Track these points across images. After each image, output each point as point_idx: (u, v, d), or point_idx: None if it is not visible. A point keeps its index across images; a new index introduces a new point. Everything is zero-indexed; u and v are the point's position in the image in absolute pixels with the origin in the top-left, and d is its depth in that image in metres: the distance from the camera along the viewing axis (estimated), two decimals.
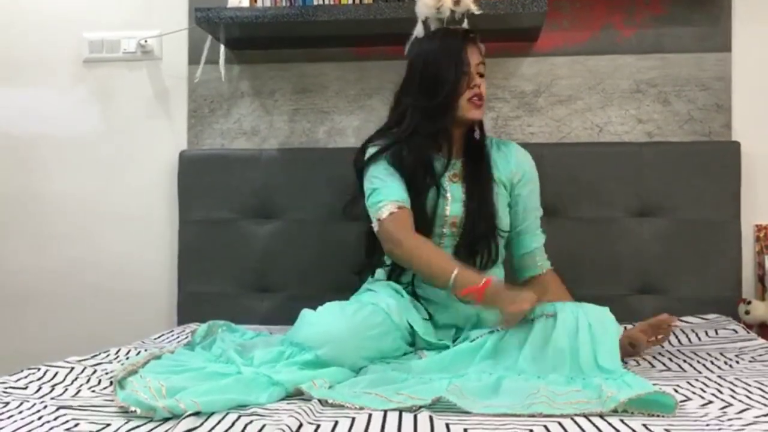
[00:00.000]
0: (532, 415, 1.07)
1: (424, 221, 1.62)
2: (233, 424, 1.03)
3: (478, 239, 1.63)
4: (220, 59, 2.12)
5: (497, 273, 1.70)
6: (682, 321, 1.88)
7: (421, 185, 1.63)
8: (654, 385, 1.14)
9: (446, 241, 1.66)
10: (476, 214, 1.64)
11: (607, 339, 1.32)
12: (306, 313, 1.46)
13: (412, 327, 1.53)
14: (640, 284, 2.02)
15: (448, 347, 1.50)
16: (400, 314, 1.51)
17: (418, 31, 1.79)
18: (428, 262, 1.54)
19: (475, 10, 1.78)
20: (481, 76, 1.67)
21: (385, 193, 1.61)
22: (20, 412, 1.07)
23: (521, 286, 1.70)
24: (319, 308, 1.48)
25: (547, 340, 1.33)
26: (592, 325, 1.33)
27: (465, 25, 1.80)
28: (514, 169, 1.73)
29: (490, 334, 1.40)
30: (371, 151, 1.70)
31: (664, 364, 1.46)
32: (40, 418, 1.05)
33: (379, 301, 1.51)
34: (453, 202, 1.66)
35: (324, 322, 1.42)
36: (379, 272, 1.72)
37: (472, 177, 1.68)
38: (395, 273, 1.66)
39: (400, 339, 1.51)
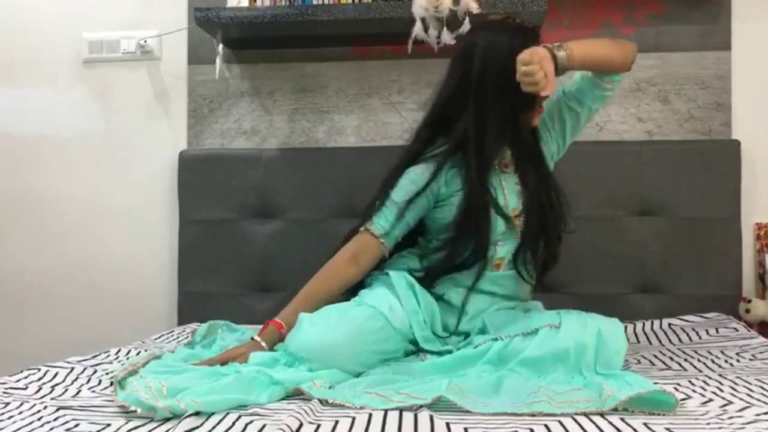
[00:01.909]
0: (533, 414, 1.07)
1: (488, 223, 1.51)
2: (233, 423, 1.03)
3: (541, 233, 1.53)
4: (218, 59, 2.11)
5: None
6: (682, 320, 1.88)
7: (475, 190, 1.50)
8: (655, 384, 1.14)
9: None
10: (537, 204, 1.52)
11: (614, 357, 1.30)
12: (303, 319, 1.41)
13: (413, 333, 1.48)
14: (641, 283, 2.02)
15: (450, 352, 1.47)
16: (401, 319, 1.46)
17: (417, 30, 1.79)
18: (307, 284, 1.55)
19: (474, 9, 1.77)
20: None
21: (384, 221, 1.54)
22: (20, 413, 1.07)
23: None
24: (315, 314, 1.43)
25: (549, 347, 1.30)
26: (603, 339, 1.30)
27: (467, 23, 1.79)
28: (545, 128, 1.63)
29: (493, 342, 1.37)
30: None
31: (664, 363, 1.46)
32: (40, 419, 1.05)
33: (380, 305, 1.46)
34: (510, 194, 1.54)
35: (319, 331, 1.36)
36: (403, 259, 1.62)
37: (525, 161, 1.55)
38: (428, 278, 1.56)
39: (401, 341, 1.47)
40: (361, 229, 1.56)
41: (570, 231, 1.59)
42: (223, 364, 1.36)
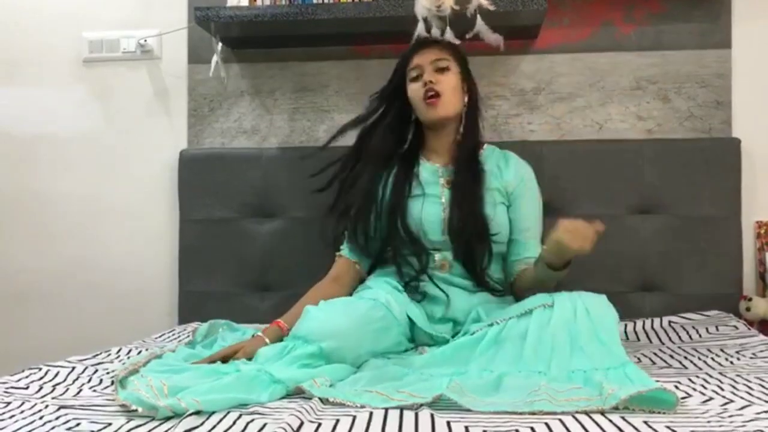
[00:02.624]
0: (533, 413, 1.07)
1: (413, 228, 1.66)
2: (234, 422, 1.03)
3: (468, 243, 1.64)
4: (214, 57, 2.11)
5: (498, 271, 1.71)
6: (683, 318, 1.88)
7: (399, 195, 1.69)
8: (656, 381, 1.14)
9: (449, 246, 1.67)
10: (463, 219, 1.64)
11: (606, 321, 1.33)
12: (309, 309, 1.46)
13: (411, 321, 1.55)
14: (641, 281, 2.02)
15: (447, 341, 1.50)
16: (400, 309, 1.54)
17: (420, 30, 1.79)
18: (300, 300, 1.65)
19: (488, 5, 1.78)
20: (439, 71, 1.68)
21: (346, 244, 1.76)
22: (21, 412, 1.07)
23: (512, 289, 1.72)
24: (321, 303, 1.49)
25: (546, 329, 1.32)
26: (590, 310, 1.33)
27: (479, 20, 1.80)
28: (511, 179, 1.73)
29: (489, 327, 1.40)
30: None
31: (665, 361, 1.46)
32: (41, 418, 1.05)
33: (379, 297, 1.54)
34: (448, 207, 1.67)
35: (327, 317, 1.42)
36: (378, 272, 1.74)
37: (460, 183, 1.68)
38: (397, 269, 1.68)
39: (401, 334, 1.53)
40: (337, 253, 1.77)
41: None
42: (224, 360, 1.38)
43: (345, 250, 1.76)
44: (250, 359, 1.38)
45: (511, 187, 1.72)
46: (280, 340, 1.47)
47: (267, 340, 1.48)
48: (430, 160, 1.75)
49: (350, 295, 1.66)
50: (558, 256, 1.47)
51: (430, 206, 1.68)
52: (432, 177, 1.72)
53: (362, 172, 1.74)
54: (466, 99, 1.72)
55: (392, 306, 1.53)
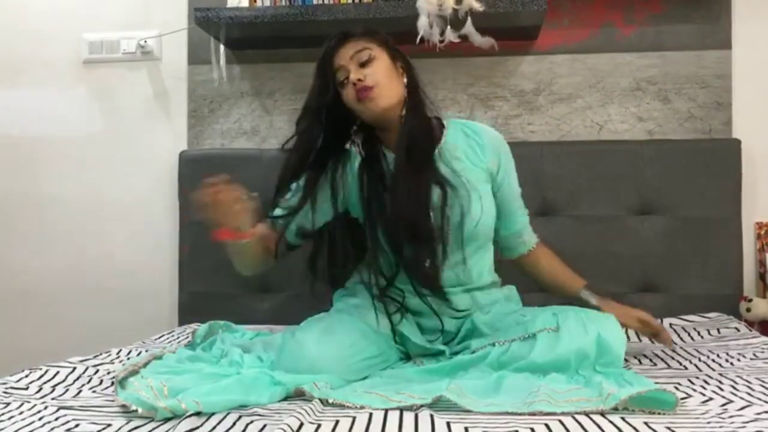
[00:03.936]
0: (533, 414, 1.07)
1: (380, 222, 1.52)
2: (234, 424, 1.03)
3: (414, 233, 1.47)
4: (212, 58, 2.11)
5: (484, 257, 1.61)
6: (683, 319, 1.88)
7: (371, 187, 1.53)
8: (655, 383, 1.14)
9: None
10: (405, 207, 1.47)
11: (616, 348, 1.30)
12: (286, 340, 1.38)
13: (401, 335, 1.49)
14: (641, 283, 2.01)
15: (443, 352, 1.47)
16: (384, 323, 1.48)
17: (422, 24, 1.78)
18: None
19: (478, 7, 1.77)
20: (363, 65, 1.49)
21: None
22: (21, 413, 1.07)
23: (512, 264, 1.70)
24: (299, 331, 1.40)
25: (550, 356, 1.29)
26: (602, 336, 1.30)
27: (468, 22, 1.79)
28: (490, 157, 1.60)
29: (492, 347, 1.35)
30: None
31: (665, 362, 1.46)
32: (41, 419, 1.05)
33: (358, 310, 1.50)
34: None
35: (306, 353, 1.33)
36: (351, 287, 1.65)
37: (400, 173, 1.49)
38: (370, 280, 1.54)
39: (384, 343, 1.46)
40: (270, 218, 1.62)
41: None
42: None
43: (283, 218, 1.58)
44: None
45: (494, 167, 1.60)
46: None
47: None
48: (389, 146, 1.57)
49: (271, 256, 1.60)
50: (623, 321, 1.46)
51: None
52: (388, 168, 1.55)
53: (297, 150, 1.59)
54: (405, 80, 1.54)
55: (372, 320, 1.47)
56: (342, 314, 1.51)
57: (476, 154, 1.60)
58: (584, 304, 1.56)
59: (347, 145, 1.58)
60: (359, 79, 1.48)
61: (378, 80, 1.49)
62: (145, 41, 2.24)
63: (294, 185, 1.58)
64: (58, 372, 1.34)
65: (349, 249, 1.65)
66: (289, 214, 1.55)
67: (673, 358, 1.49)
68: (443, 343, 1.52)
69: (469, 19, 1.78)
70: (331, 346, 1.35)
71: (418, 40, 1.80)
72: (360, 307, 1.52)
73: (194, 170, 2.17)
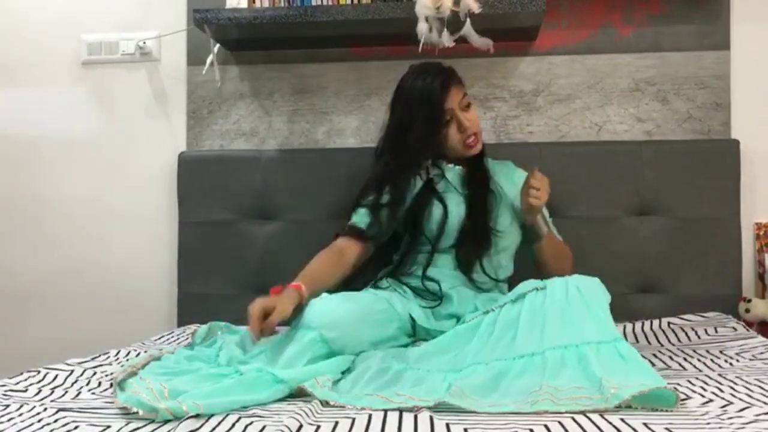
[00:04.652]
0: (538, 413, 1.07)
1: (436, 228, 1.72)
2: (233, 425, 1.03)
3: (474, 245, 1.70)
4: (209, 59, 2.11)
5: (506, 268, 1.78)
6: (681, 319, 1.88)
7: (428, 193, 1.74)
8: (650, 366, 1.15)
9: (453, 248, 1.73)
10: (478, 214, 1.71)
11: (598, 299, 1.33)
12: (312, 301, 1.47)
13: (412, 318, 1.59)
14: (640, 283, 2.02)
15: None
16: (402, 305, 1.59)
17: (421, 30, 1.79)
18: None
19: (475, 9, 1.77)
20: (468, 107, 1.73)
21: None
22: (20, 415, 1.07)
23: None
24: (323, 295, 1.49)
25: (538, 311, 1.33)
26: (582, 289, 1.34)
27: (467, 24, 1.79)
28: (518, 181, 1.76)
29: (484, 314, 1.43)
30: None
31: (664, 363, 1.46)
32: (40, 421, 1.05)
33: (383, 292, 1.61)
34: (463, 213, 1.72)
35: (328, 305, 1.44)
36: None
37: (475, 192, 1.75)
38: (399, 271, 1.74)
39: (401, 328, 1.57)
40: (349, 225, 1.78)
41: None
42: (266, 315, 1.39)
43: (360, 225, 1.75)
44: (285, 321, 1.42)
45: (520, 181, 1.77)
46: (299, 305, 1.46)
47: (293, 303, 1.45)
48: (448, 162, 1.80)
49: (348, 273, 1.70)
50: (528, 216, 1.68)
51: (457, 207, 1.73)
52: (456, 177, 1.78)
53: (400, 170, 1.75)
54: None
55: (394, 301, 1.58)
56: (367, 292, 1.64)
57: (506, 183, 1.80)
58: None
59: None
60: (470, 126, 1.70)
61: (479, 129, 1.75)
62: (144, 42, 2.24)
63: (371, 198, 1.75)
64: (57, 374, 1.34)
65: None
66: (380, 235, 1.74)
67: (672, 359, 1.49)
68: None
69: (467, 20, 1.78)
70: (355, 306, 1.48)
71: (420, 45, 1.80)
72: (382, 292, 1.63)
73: (193, 171, 2.17)
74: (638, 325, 1.84)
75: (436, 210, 1.73)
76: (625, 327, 1.82)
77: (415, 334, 1.61)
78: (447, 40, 1.79)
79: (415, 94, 1.70)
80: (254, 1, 1.99)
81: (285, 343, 1.37)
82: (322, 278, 1.60)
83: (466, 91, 1.75)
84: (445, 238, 1.71)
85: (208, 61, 2.09)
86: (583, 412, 1.06)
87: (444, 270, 1.71)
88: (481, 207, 1.73)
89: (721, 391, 1.18)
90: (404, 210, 1.74)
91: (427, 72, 1.71)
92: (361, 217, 1.74)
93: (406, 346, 1.55)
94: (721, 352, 1.52)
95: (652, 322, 1.86)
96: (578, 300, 1.32)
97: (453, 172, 1.79)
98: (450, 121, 1.70)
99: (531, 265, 1.81)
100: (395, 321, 1.56)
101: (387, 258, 1.81)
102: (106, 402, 1.16)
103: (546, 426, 1.01)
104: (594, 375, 1.18)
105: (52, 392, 1.22)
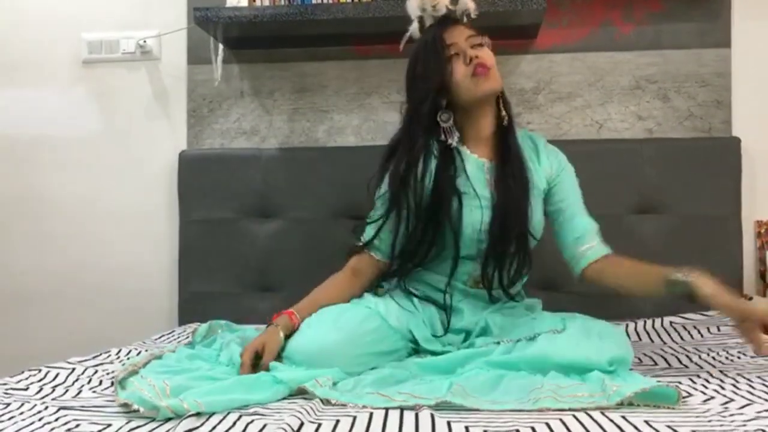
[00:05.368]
0: (539, 410, 1.07)
1: (451, 230, 1.51)
2: (234, 423, 1.03)
3: (507, 246, 1.50)
4: (216, 58, 2.11)
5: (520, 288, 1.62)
6: (683, 318, 1.88)
7: (444, 194, 1.50)
8: (657, 381, 1.14)
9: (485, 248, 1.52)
10: (509, 224, 1.49)
11: (616, 350, 1.27)
12: (296, 334, 1.40)
13: (412, 334, 1.50)
14: None
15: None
16: (398, 317, 1.49)
17: (413, 30, 1.78)
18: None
19: (473, 10, 1.77)
20: (480, 46, 1.53)
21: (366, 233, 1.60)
22: (21, 413, 1.07)
23: (580, 282, 1.58)
24: (313, 317, 1.44)
25: (550, 352, 1.27)
26: (602, 335, 1.29)
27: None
28: (546, 167, 1.60)
29: (496, 345, 1.35)
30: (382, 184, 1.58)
31: (666, 361, 1.46)
32: (41, 419, 1.05)
33: (377, 304, 1.50)
34: (490, 210, 1.52)
35: (315, 334, 1.37)
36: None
37: (509, 184, 1.52)
38: (404, 281, 1.58)
39: (399, 341, 1.48)
40: (359, 243, 1.61)
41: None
42: (254, 364, 1.33)
43: (368, 237, 1.59)
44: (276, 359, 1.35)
45: (550, 175, 1.61)
46: (291, 332, 1.41)
47: (280, 332, 1.39)
48: (473, 152, 1.57)
49: (369, 290, 1.59)
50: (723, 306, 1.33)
51: (479, 210, 1.51)
52: (479, 173, 1.54)
53: (398, 165, 1.54)
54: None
55: (389, 315, 1.48)
56: (359, 306, 1.50)
57: (534, 164, 1.59)
58: (679, 288, 1.38)
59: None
60: (476, 56, 1.49)
61: (493, 63, 1.52)
62: (145, 41, 2.24)
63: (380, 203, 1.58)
64: (58, 373, 1.34)
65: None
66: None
67: (674, 357, 1.49)
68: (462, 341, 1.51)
69: (464, 20, 1.78)
70: (341, 335, 1.37)
71: (402, 44, 1.77)
72: (378, 302, 1.52)
73: (194, 170, 2.17)
74: (640, 323, 1.84)
75: (454, 210, 1.50)
76: (627, 326, 1.82)
77: (417, 343, 1.51)
78: None
79: (420, 40, 1.58)
80: (254, 0, 1.99)
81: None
82: (325, 302, 1.50)
83: (485, 42, 1.56)
84: (463, 246, 1.51)
85: (219, 60, 2.09)
86: (584, 410, 1.06)
87: (457, 284, 1.55)
88: (516, 220, 1.49)
89: (723, 388, 1.18)
90: (420, 197, 1.51)
91: (435, 23, 1.59)
92: (369, 231, 1.60)
93: (409, 355, 1.49)
94: (722, 349, 1.52)
95: (653, 321, 1.86)
96: (593, 347, 1.26)
97: (476, 165, 1.55)
98: (455, 56, 1.51)
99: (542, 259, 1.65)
100: (390, 336, 1.45)
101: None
102: (108, 400, 1.16)
103: (547, 424, 1.01)
104: (595, 377, 1.18)
105: (53, 390, 1.22)
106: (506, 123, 1.56)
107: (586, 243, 1.57)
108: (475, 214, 1.51)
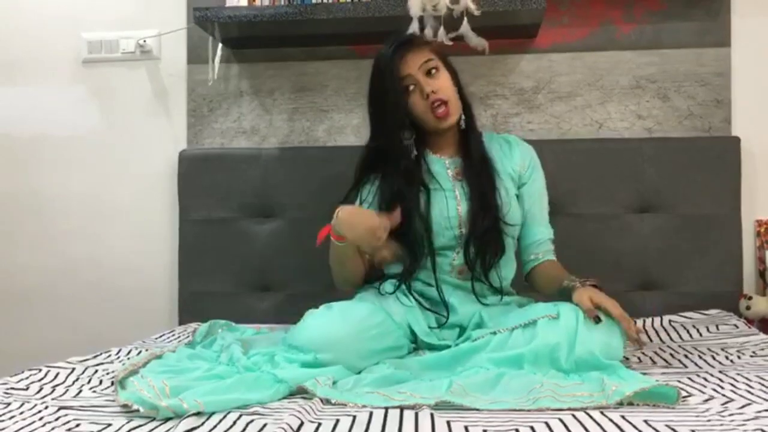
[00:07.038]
0: (539, 410, 1.07)
1: (434, 225, 1.59)
2: (234, 422, 1.03)
3: (484, 233, 1.57)
4: (213, 58, 2.11)
5: (509, 267, 1.68)
6: (682, 317, 1.88)
7: (415, 192, 1.60)
8: (656, 381, 1.14)
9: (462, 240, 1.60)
10: (479, 209, 1.58)
11: (611, 338, 1.30)
12: (306, 315, 1.44)
13: (411, 329, 1.53)
14: (641, 280, 2.02)
15: (449, 347, 1.47)
16: (401, 315, 1.52)
17: (413, 29, 1.78)
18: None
19: (473, 10, 1.77)
20: (429, 74, 1.58)
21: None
22: (21, 413, 1.07)
23: (528, 285, 1.71)
24: (318, 310, 1.47)
25: (550, 339, 1.29)
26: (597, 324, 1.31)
27: (465, 23, 1.79)
28: (518, 161, 1.69)
29: (492, 335, 1.37)
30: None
31: (665, 360, 1.46)
32: (41, 419, 1.05)
33: (381, 300, 1.54)
34: (463, 201, 1.61)
35: (322, 325, 1.40)
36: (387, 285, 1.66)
37: (474, 174, 1.62)
38: (404, 279, 1.60)
39: (402, 337, 1.51)
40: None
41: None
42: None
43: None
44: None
45: (521, 170, 1.69)
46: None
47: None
48: (435, 153, 1.67)
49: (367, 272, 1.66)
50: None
51: (445, 201, 1.60)
52: (442, 170, 1.65)
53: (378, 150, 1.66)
54: (457, 89, 1.63)
55: (393, 311, 1.51)
56: (365, 301, 1.55)
57: (506, 158, 1.69)
58: (565, 292, 1.46)
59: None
60: (432, 92, 1.56)
61: (449, 96, 1.58)
62: (145, 40, 2.24)
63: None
64: (58, 372, 1.34)
65: None
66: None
67: (673, 356, 1.49)
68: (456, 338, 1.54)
69: (465, 19, 1.78)
70: (349, 326, 1.39)
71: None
72: (382, 298, 1.56)
73: (194, 169, 2.17)
74: (639, 322, 1.84)
75: (421, 205, 1.59)
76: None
77: (416, 340, 1.55)
78: (445, 38, 1.78)
79: (375, 65, 1.61)
80: (254, 0, 1.99)
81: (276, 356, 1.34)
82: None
83: (444, 64, 1.62)
84: (436, 236, 1.59)
85: (217, 60, 2.10)
86: (583, 409, 1.07)
87: (444, 276, 1.61)
88: (484, 204, 1.59)
89: (722, 388, 1.18)
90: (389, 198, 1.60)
91: (388, 42, 1.61)
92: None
93: (408, 353, 1.51)
94: (722, 349, 1.52)
95: (653, 320, 1.86)
96: (588, 334, 1.29)
97: (439, 164, 1.65)
98: (414, 89, 1.58)
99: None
100: (393, 332, 1.48)
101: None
102: (108, 400, 1.16)
103: (546, 423, 1.01)
104: (594, 377, 1.18)
105: (54, 390, 1.22)
106: (464, 126, 1.64)
107: (534, 252, 1.68)
108: (441, 204, 1.59)
